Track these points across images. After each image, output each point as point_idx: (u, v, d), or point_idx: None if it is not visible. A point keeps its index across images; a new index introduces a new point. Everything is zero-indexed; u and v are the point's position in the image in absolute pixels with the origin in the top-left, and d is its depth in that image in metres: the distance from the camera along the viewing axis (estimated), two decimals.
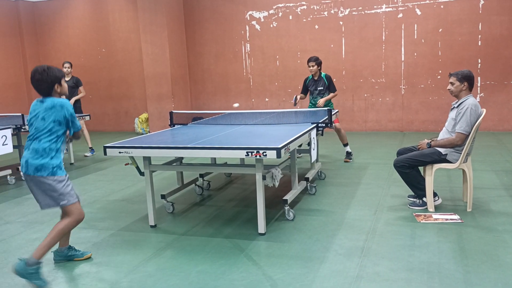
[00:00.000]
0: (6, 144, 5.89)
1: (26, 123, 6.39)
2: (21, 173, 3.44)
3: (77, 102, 8.37)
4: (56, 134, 3.18)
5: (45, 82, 3.18)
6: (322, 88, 6.66)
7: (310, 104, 6.91)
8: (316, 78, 6.72)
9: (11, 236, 4.20)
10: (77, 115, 7.60)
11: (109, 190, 5.76)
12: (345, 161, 6.79)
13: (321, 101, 6.52)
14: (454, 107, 4.30)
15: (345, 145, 6.89)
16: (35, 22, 12.38)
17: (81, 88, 8.37)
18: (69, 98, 8.36)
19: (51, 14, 12.20)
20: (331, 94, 6.64)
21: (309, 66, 6.63)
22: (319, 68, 6.64)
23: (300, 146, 5.51)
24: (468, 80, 4.20)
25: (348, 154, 6.86)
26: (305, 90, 6.83)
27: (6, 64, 11.81)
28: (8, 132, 5.95)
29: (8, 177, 6.33)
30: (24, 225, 4.52)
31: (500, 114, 8.90)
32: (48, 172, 3.13)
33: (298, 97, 6.61)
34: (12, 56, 11.96)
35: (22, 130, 6.35)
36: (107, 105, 12.14)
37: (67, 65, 8.25)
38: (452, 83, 4.25)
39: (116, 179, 6.35)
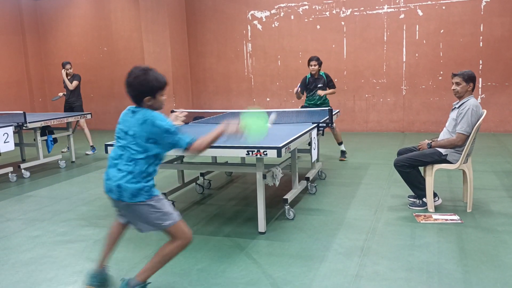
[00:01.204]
0: (8, 141, 5.91)
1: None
2: (109, 197, 2.77)
3: (78, 100, 8.37)
4: (153, 154, 2.65)
5: (136, 89, 2.62)
6: (322, 85, 6.78)
7: (307, 102, 6.97)
8: (316, 76, 6.79)
9: (12, 234, 4.22)
10: (78, 114, 7.63)
11: None
12: (340, 160, 6.85)
13: (321, 91, 6.68)
14: (455, 107, 4.31)
15: (340, 143, 6.97)
16: (37, 21, 12.40)
17: (74, 82, 8.31)
18: (68, 97, 8.34)
19: (53, 13, 12.22)
20: (331, 90, 6.78)
21: (311, 65, 6.74)
22: (319, 68, 6.76)
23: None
24: (473, 80, 4.20)
25: (343, 153, 6.93)
26: (303, 89, 6.88)
27: (8, 62, 11.83)
28: (10, 130, 5.96)
29: (10, 174, 6.35)
30: (25, 222, 4.53)
31: (501, 115, 8.89)
32: (146, 196, 2.64)
33: (299, 90, 6.70)
34: (14, 54, 11.98)
35: (24, 128, 6.36)
36: (109, 103, 12.16)
37: (68, 66, 8.24)
38: (458, 83, 4.21)
39: None
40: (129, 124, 2.63)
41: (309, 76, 6.86)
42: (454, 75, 4.23)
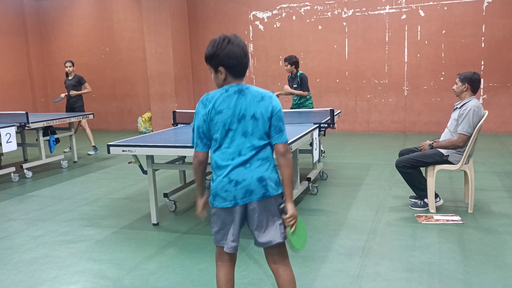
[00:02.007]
0: (10, 141, 5.93)
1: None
2: (232, 207, 2.17)
3: (80, 100, 8.39)
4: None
5: (247, 57, 2.16)
6: (296, 86, 6.81)
7: (293, 102, 7.06)
8: (293, 76, 6.88)
9: (14, 233, 4.23)
10: (80, 114, 7.66)
11: (112, 188, 5.79)
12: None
13: (287, 88, 6.78)
14: (456, 107, 4.32)
15: None
16: (40, 21, 12.44)
17: (86, 85, 8.43)
18: (70, 98, 8.35)
19: (56, 13, 12.25)
20: (299, 91, 6.74)
21: (285, 66, 6.83)
22: (293, 66, 6.75)
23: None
24: (469, 82, 4.21)
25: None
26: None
27: (11, 62, 11.86)
28: (12, 130, 5.98)
29: (12, 174, 6.37)
30: (27, 222, 4.55)
31: (503, 116, 8.89)
32: (281, 187, 2.21)
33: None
34: (17, 54, 12.01)
35: (26, 128, 6.38)
36: (111, 104, 12.18)
37: (68, 64, 8.25)
38: (456, 83, 4.31)
39: (119, 177, 6.38)
40: (245, 105, 2.11)
41: (289, 76, 6.94)
42: (457, 75, 4.33)
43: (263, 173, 2.14)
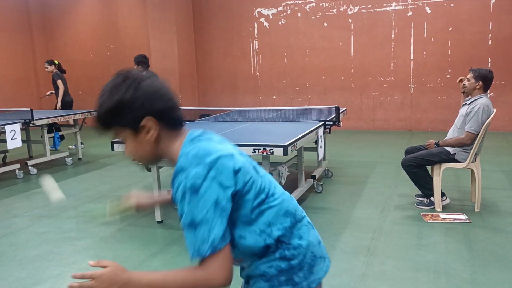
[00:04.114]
0: (15, 138, 5.94)
1: None
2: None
3: (64, 97, 8.12)
4: None
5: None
6: None
7: None
8: None
9: (19, 230, 4.24)
10: (85, 111, 7.66)
11: (116, 185, 5.79)
12: None
13: None
14: (465, 103, 4.25)
15: None
16: (45, 18, 12.45)
17: (58, 82, 8.04)
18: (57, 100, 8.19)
19: (61, 10, 12.26)
20: None
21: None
22: (139, 66, 6.72)
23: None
24: (483, 79, 4.13)
25: None
26: None
27: (16, 59, 11.89)
28: (17, 127, 5.99)
29: (17, 171, 6.38)
30: (32, 218, 4.55)
31: (510, 114, 8.80)
32: None
33: None
34: (22, 51, 12.04)
35: (31, 124, 6.39)
36: None
37: (45, 65, 8.09)
38: (468, 79, 4.20)
39: (123, 174, 6.37)
40: None
41: None
42: (470, 70, 4.22)
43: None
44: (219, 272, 1.19)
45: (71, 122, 7.88)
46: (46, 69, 8.13)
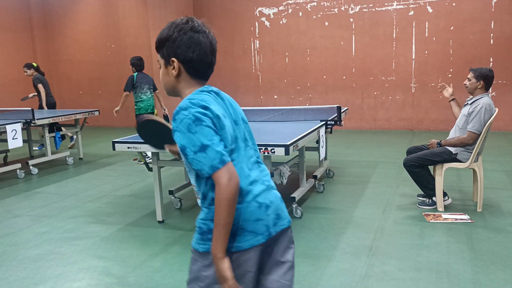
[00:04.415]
0: (16, 138, 5.94)
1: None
2: (267, 240, 1.56)
3: (46, 99, 8.08)
4: None
5: (214, 55, 1.65)
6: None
7: None
8: None
9: (20, 230, 4.23)
10: (85, 110, 7.66)
11: (118, 185, 5.78)
12: None
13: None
14: (467, 103, 4.24)
15: None
16: (46, 17, 12.45)
17: (39, 86, 7.99)
18: (40, 103, 8.10)
19: (62, 10, 12.26)
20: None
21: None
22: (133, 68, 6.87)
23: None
24: (485, 79, 4.12)
25: None
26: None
27: (17, 59, 11.89)
28: (18, 127, 5.99)
29: (18, 171, 6.38)
30: (33, 218, 4.55)
31: None
32: None
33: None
34: (23, 51, 12.04)
35: (32, 124, 6.39)
36: (116, 100, 12.12)
37: (23, 69, 7.99)
38: (469, 79, 4.19)
39: (124, 174, 6.37)
40: (231, 111, 1.63)
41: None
42: (470, 70, 4.21)
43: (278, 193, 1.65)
44: (231, 175, 1.42)
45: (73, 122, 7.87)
46: (25, 73, 7.99)
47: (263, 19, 10.33)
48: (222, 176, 1.41)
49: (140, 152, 4.13)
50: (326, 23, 9.78)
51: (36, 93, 8.14)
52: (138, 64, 6.82)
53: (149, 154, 5.46)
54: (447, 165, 4.20)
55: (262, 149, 3.51)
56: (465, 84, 4.23)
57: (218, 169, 1.42)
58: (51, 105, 8.20)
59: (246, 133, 1.65)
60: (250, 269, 1.52)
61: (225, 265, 1.43)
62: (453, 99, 4.59)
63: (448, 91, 4.60)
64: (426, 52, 9.14)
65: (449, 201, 4.41)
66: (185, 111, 1.47)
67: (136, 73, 6.84)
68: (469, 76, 4.20)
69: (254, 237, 1.51)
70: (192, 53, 1.55)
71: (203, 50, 1.57)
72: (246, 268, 1.51)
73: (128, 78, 6.85)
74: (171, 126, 1.61)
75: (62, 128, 7.86)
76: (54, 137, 7.22)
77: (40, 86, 7.97)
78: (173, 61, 1.56)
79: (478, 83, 4.14)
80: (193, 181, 1.58)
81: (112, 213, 4.63)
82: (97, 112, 7.83)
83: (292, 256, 1.63)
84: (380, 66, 9.52)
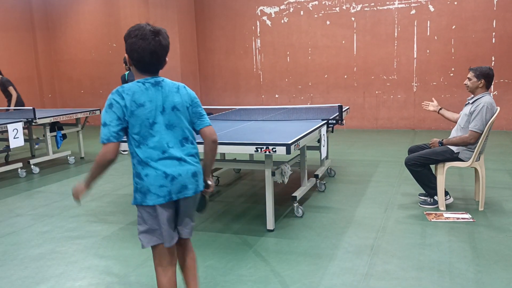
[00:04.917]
0: (18, 137, 5.94)
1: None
2: (168, 203, 2.14)
3: (16, 103, 8.03)
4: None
5: (167, 49, 2.15)
6: None
7: None
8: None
9: (21, 229, 4.24)
10: (87, 110, 7.65)
11: (119, 184, 5.78)
12: None
13: None
14: (468, 102, 4.23)
15: None
16: (47, 17, 12.46)
17: (10, 89, 7.96)
18: (8, 104, 8.07)
19: (63, 9, 12.27)
20: None
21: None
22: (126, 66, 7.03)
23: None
24: (486, 77, 4.11)
25: None
26: None
27: (19, 58, 11.90)
28: (20, 126, 5.99)
29: (19, 170, 6.39)
30: (34, 218, 4.55)
31: None
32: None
33: None
34: (24, 50, 12.05)
35: (33, 123, 6.39)
36: None
37: None
38: (469, 79, 4.17)
39: (125, 173, 6.37)
40: (164, 97, 2.12)
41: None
42: (470, 69, 4.20)
43: (196, 169, 2.18)
44: (107, 151, 2.04)
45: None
46: None
47: (265, 18, 10.32)
48: (103, 149, 2.05)
49: None
50: (328, 22, 9.77)
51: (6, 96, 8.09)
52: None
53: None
54: (448, 164, 4.19)
55: (263, 148, 3.50)
56: (465, 84, 4.21)
57: (103, 143, 2.04)
58: (21, 104, 8.18)
59: (175, 118, 2.14)
60: (157, 217, 2.11)
61: (80, 188, 2.16)
62: (440, 109, 4.56)
63: (432, 105, 4.61)
64: (427, 51, 9.12)
65: (451, 200, 4.40)
66: (110, 95, 2.08)
67: (128, 71, 7.02)
68: (469, 75, 4.18)
69: (157, 198, 2.08)
70: (133, 55, 2.08)
71: (141, 54, 2.06)
72: (159, 217, 2.11)
73: (121, 77, 7.00)
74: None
75: (80, 126, 7.86)
76: (56, 136, 7.22)
77: (11, 88, 8.03)
78: (127, 57, 2.11)
79: (479, 82, 4.12)
80: None
81: (113, 212, 4.63)
82: (98, 111, 7.83)
83: (192, 213, 2.27)
84: (381, 65, 9.50)
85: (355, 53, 9.67)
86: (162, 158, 2.09)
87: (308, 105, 6.94)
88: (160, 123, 2.09)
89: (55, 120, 6.88)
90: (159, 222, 2.12)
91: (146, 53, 2.05)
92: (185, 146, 2.16)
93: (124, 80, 6.96)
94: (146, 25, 2.08)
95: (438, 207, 4.28)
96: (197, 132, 2.26)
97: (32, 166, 6.58)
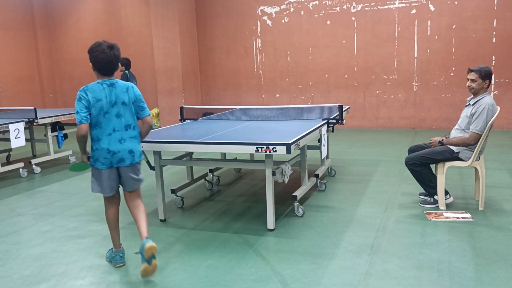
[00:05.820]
0: (19, 137, 5.96)
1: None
2: (110, 168, 3.16)
3: None
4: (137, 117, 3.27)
5: (119, 59, 3.18)
6: None
7: None
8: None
9: (22, 228, 4.25)
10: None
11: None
12: None
13: None
14: (469, 104, 4.22)
15: None
16: (48, 16, 12.48)
17: None
18: None
19: (64, 8, 12.28)
20: None
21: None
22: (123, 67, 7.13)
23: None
24: (490, 78, 4.09)
25: None
26: None
27: (19, 57, 11.92)
28: (21, 126, 6.01)
29: (21, 170, 6.41)
30: (36, 217, 4.57)
31: None
32: (142, 155, 3.33)
33: None
34: (25, 49, 12.06)
35: (35, 123, 6.40)
36: None
37: None
38: (473, 80, 4.09)
39: None
40: (116, 95, 3.11)
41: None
42: (471, 70, 4.12)
43: (133, 147, 3.19)
44: (81, 129, 3.01)
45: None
46: None
47: (265, 17, 10.32)
48: (78, 128, 3.00)
49: (142, 151, 4.14)
50: (328, 22, 9.77)
51: None
52: (129, 64, 7.20)
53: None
54: (449, 164, 4.20)
55: (263, 147, 3.51)
56: (469, 86, 4.12)
57: (78, 125, 3.00)
58: None
59: (122, 110, 3.13)
60: (102, 177, 3.16)
61: (84, 158, 3.19)
62: (442, 139, 4.33)
63: (434, 140, 4.34)
64: (428, 50, 9.13)
65: (451, 199, 4.41)
66: (78, 91, 3.05)
67: (126, 71, 7.13)
68: (472, 77, 4.09)
69: (102, 165, 3.12)
70: (96, 64, 3.10)
71: (100, 63, 3.08)
72: (100, 176, 3.16)
73: (122, 75, 7.01)
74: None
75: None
76: (57, 136, 7.24)
77: None
78: (91, 65, 3.10)
79: (484, 83, 4.10)
80: None
81: None
82: None
83: (132, 176, 3.25)
84: (382, 64, 9.50)
85: (355, 52, 9.67)
86: (108, 138, 3.08)
87: (309, 105, 6.95)
88: (111, 113, 3.08)
89: (57, 120, 6.89)
90: (101, 179, 3.16)
91: (104, 62, 3.06)
92: (128, 131, 3.16)
93: (126, 79, 7.00)
94: (104, 42, 3.08)
95: (438, 206, 4.29)
96: (140, 119, 3.25)
97: (33, 166, 6.60)
